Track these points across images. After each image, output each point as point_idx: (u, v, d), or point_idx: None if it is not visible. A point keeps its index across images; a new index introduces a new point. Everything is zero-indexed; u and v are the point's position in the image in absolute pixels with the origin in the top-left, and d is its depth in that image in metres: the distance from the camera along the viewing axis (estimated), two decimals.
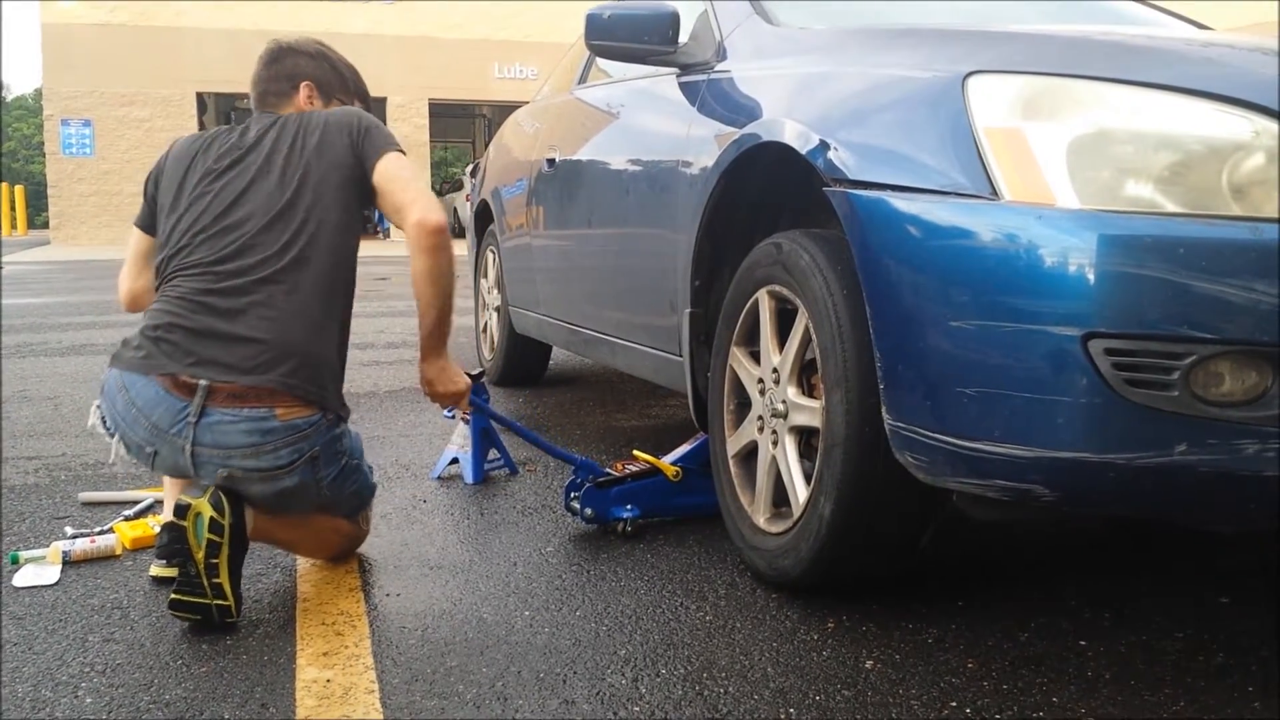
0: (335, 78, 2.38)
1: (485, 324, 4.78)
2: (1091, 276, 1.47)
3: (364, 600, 2.09)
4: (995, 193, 1.59)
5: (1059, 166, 1.56)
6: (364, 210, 2.20)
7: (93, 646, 1.88)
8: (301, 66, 2.33)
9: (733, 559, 2.29)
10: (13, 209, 24.92)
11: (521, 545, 2.41)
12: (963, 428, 1.61)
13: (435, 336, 2.24)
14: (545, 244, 3.72)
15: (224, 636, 1.91)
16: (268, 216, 2.05)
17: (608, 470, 2.56)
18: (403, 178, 2.13)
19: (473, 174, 5.30)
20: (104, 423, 2.06)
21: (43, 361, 5.24)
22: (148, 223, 2.26)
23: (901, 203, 1.71)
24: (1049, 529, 2.56)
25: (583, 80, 3.81)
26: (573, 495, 2.52)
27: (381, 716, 1.61)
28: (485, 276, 4.75)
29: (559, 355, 4.99)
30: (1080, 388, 1.48)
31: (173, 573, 2.09)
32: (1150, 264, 1.44)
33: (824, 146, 1.89)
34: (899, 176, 1.73)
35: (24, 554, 2.29)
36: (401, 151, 2.17)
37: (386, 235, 21.40)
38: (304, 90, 2.31)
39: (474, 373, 2.88)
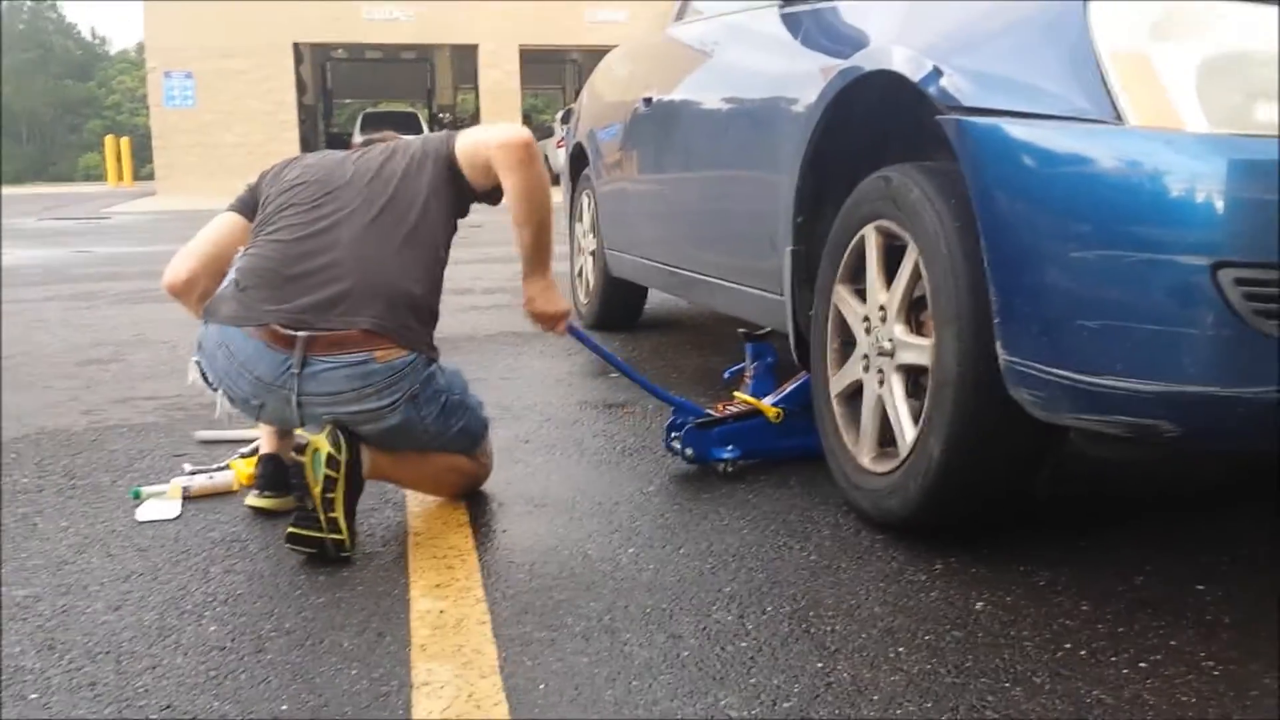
0: None
1: (580, 268, 4.79)
2: (1221, 204, 1.42)
3: (472, 535, 2.12)
4: (1119, 117, 1.52)
5: (1187, 90, 1.49)
6: (459, 202, 2.23)
7: (214, 577, 1.94)
8: None
9: (835, 501, 2.27)
10: (119, 161, 25.68)
11: (623, 484, 2.42)
12: (1083, 362, 1.56)
13: (534, 254, 2.29)
14: (642, 185, 3.71)
15: (340, 569, 1.96)
16: (358, 183, 2.16)
17: (708, 411, 2.55)
18: (475, 133, 2.21)
19: (564, 120, 5.30)
20: (205, 379, 2.13)
21: (155, 307, 5.41)
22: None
23: (1019, 129, 1.65)
24: (1167, 467, 2.49)
25: (679, 19, 3.75)
26: (673, 435, 2.51)
27: (494, 646, 1.64)
28: (580, 220, 4.75)
29: (654, 298, 4.97)
30: (1209, 319, 1.43)
31: (268, 504, 2.22)
32: None
33: (936, 73, 1.83)
34: (1016, 102, 1.67)
35: (146, 489, 2.38)
36: None
37: None
38: None
39: (759, 332, 2.74)
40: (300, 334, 2.00)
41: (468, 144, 2.18)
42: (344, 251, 2.07)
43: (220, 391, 2.12)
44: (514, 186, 2.17)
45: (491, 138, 2.17)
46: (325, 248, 2.08)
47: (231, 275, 2.13)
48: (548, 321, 2.40)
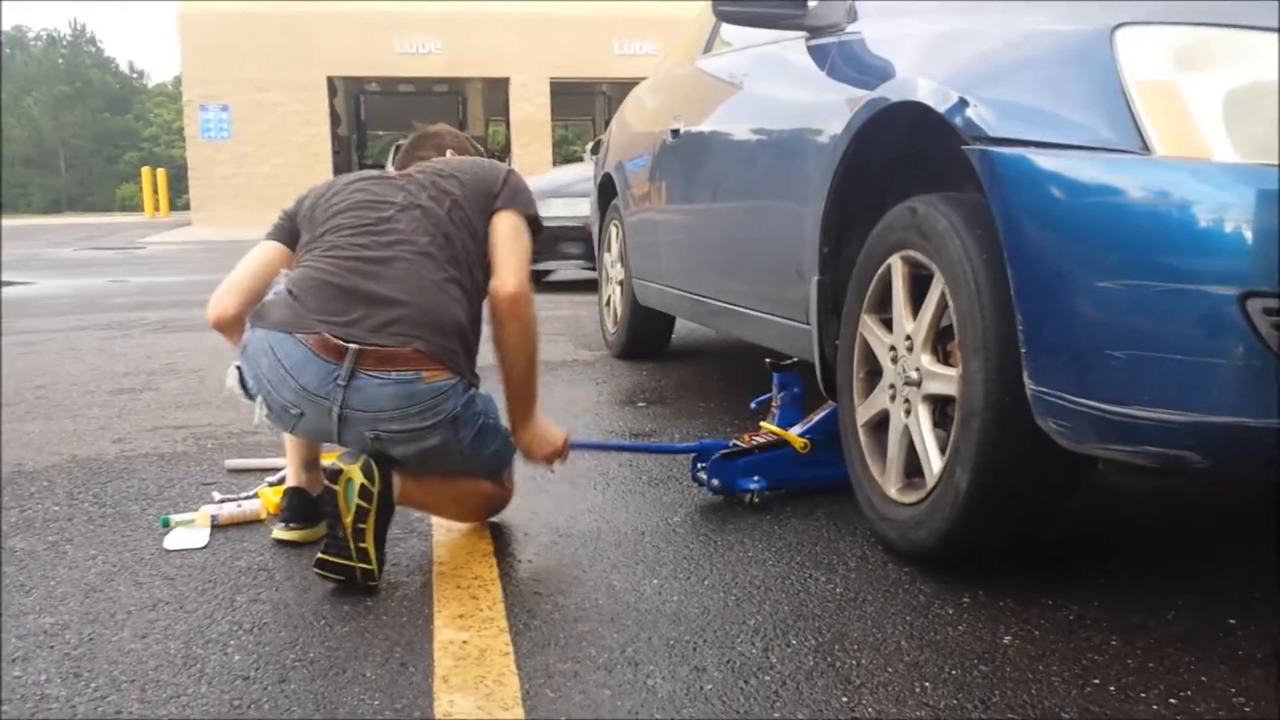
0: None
1: (608, 298, 4.80)
2: (1249, 234, 1.41)
3: (497, 566, 2.12)
4: (1146, 147, 1.52)
5: (1215, 120, 1.49)
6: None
7: (240, 606, 1.95)
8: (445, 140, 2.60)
9: (862, 532, 2.26)
10: (155, 192, 26.06)
11: (649, 515, 2.41)
12: (1111, 392, 1.55)
13: (520, 399, 2.29)
14: (669, 215, 3.72)
15: (364, 598, 1.96)
16: (412, 209, 2.19)
17: (732, 443, 2.54)
18: (506, 241, 2.23)
19: (594, 151, 5.33)
20: (243, 385, 2.09)
21: (187, 336, 5.47)
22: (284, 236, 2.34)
23: (1045, 160, 1.64)
24: (1195, 499, 2.45)
25: (706, 51, 3.77)
26: (700, 466, 2.51)
27: (517, 678, 1.64)
28: (609, 251, 4.77)
29: (682, 328, 4.98)
30: (1237, 350, 1.41)
31: (294, 535, 2.25)
32: None
33: (962, 104, 1.83)
34: (1042, 133, 1.67)
35: (174, 517, 2.39)
36: (532, 214, 2.30)
37: None
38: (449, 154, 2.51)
39: (785, 362, 2.76)
40: (352, 346, 2.00)
41: (495, 234, 2.23)
42: (398, 275, 2.08)
43: (258, 399, 2.08)
44: (497, 336, 2.20)
45: (498, 265, 2.20)
46: (379, 271, 2.09)
47: (282, 285, 2.12)
48: (549, 461, 2.37)
